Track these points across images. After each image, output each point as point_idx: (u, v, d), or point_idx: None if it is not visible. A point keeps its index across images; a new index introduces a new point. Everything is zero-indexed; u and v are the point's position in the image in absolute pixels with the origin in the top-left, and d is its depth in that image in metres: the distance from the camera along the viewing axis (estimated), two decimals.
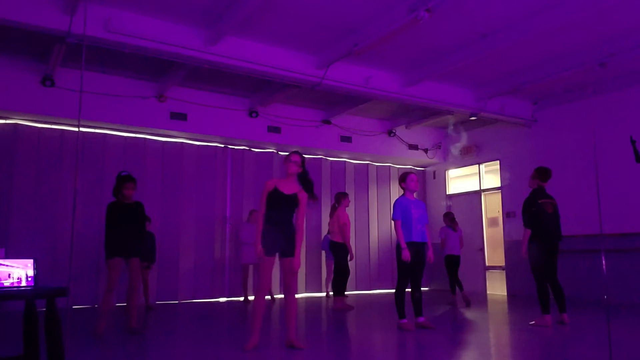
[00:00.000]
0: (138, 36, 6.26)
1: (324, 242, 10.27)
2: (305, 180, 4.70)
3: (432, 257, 5.77)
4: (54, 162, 8.26)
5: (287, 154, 4.83)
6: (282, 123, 9.86)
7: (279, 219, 4.57)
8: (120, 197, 5.62)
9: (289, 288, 4.63)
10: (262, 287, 4.61)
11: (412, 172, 5.95)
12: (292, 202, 4.60)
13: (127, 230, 5.50)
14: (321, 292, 10.54)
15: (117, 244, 5.45)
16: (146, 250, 8.05)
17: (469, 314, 7.34)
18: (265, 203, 4.61)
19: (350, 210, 9.79)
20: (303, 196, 4.65)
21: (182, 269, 9.23)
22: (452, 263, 8.49)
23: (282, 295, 9.46)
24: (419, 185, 5.92)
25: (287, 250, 4.57)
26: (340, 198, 8.20)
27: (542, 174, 6.25)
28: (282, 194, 4.58)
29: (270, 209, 4.60)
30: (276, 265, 4.71)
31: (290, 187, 4.64)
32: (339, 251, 7.92)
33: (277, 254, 4.63)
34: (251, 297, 9.12)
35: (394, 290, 5.91)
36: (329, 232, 10.15)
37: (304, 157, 4.81)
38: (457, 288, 8.44)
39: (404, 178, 5.89)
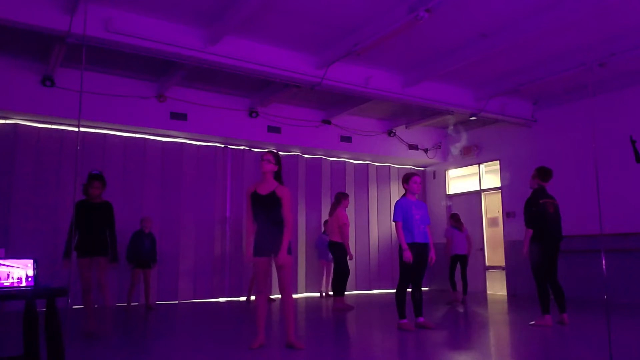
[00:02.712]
0: (138, 36, 6.26)
1: (317, 241, 10.28)
2: (278, 177, 4.74)
3: (434, 257, 5.78)
4: (54, 162, 8.26)
5: (284, 154, 4.83)
6: (282, 123, 9.85)
7: (262, 219, 4.63)
8: (87, 195, 5.59)
9: (282, 288, 4.65)
10: (260, 288, 4.68)
11: (416, 174, 5.92)
12: (269, 201, 4.60)
13: (92, 230, 5.46)
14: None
15: (82, 244, 5.44)
16: (145, 251, 8.05)
17: (469, 314, 7.34)
18: (250, 207, 4.69)
19: (350, 210, 9.77)
20: (282, 192, 4.65)
21: (182, 269, 9.23)
22: (458, 262, 8.73)
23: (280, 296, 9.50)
24: (420, 188, 5.92)
25: (275, 249, 4.59)
26: (340, 198, 8.18)
27: (543, 174, 6.24)
28: (259, 195, 4.64)
29: (254, 211, 4.68)
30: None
31: (266, 186, 4.67)
32: (338, 251, 7.91)
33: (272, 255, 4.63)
34: (253, 298, 9.12)
35: (394, 290, 5.91)
36: (324, 232, 10.17)
37: (279, 154, 4.83)
38: (456, 287, 8.50)
39: (407, 179, 5.85)
